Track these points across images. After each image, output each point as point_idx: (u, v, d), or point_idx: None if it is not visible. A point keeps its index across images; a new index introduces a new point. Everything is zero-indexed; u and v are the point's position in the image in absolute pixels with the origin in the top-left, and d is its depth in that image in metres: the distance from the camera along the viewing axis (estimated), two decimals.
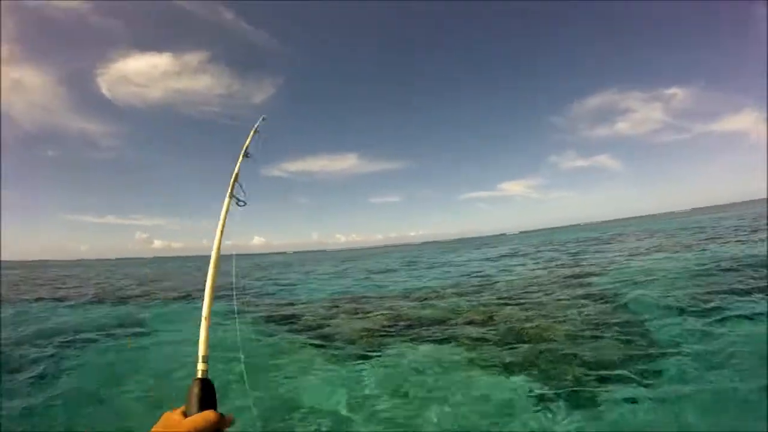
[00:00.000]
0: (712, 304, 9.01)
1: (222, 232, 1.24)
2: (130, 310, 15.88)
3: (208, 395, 0.97)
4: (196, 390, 0.97)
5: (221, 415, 0.93)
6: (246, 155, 1.46)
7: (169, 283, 29.45)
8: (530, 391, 6.02)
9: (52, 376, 7.81)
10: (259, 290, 21.44)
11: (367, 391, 6.55)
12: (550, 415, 5.27)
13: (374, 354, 8.38)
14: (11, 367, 8.34)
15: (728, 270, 12.59)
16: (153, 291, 23.24)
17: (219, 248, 1.22)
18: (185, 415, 0.93)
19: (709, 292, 10.05)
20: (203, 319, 1.11)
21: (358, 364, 7.90)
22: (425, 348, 8.55)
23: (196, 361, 1.04)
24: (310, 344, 9.44)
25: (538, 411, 5.42)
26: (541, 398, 5.75)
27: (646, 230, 47.35)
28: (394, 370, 7.43)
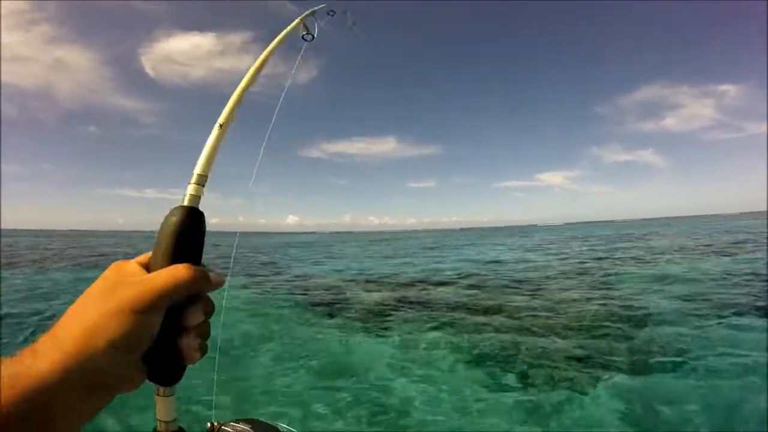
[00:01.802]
0: (730, 316, 8.64)
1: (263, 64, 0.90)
2: None
3: (190, 235, 0.57)
4: (173, 223, 0.56)
5: (202, 271, 0.54)
6: (306, 29, 1.07)
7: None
8: (517, 384, 5.91)
9: None
10: (276, 264, 21.73)
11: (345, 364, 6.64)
12: (531, 412, 5.17)
13: (365, 330, 8.51)
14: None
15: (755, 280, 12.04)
16: None
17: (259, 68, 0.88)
18: (146, 268, 0.55)
19: (728, 304, 9.67)
20: (218, 125, 0.72)
21: (345, 335, 8.12)
22: (420, 330, 8.52)
23: (188, 182, 0.63)
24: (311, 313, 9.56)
25: (518, 407, 5.32)
26: (526, 393, 5.64)
27: (685, 232, 45.93)
28: (381, 347, 7.48)
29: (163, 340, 0.52)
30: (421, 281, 15.52)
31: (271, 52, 0.93)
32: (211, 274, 0.56)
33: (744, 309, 9.01)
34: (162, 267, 0.54)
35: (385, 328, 8.80)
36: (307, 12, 1.10)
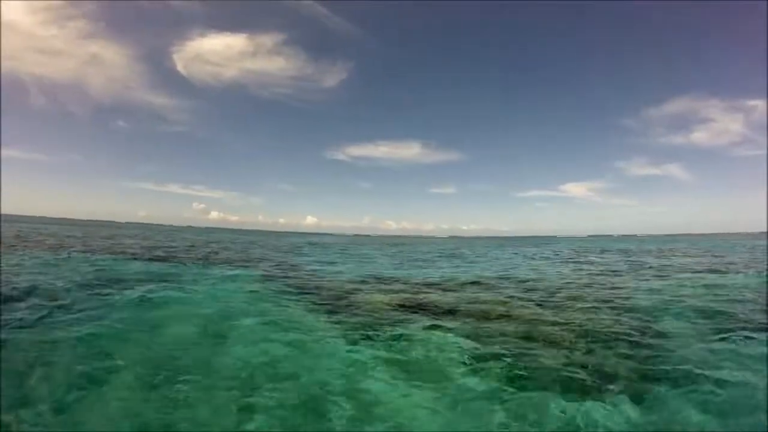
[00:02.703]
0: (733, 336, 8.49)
1: None
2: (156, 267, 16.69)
3: None
4: None
5: None
6: None
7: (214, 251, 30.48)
8: (520, 393, 5.93)
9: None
10: (294, 265, 21.89)
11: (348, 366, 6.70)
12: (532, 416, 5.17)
13: (370, 331, 8.57)
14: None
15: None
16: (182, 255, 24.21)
17: None
18: None
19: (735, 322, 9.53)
20: None
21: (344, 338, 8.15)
22: (426, 334, 8.60)
23: None
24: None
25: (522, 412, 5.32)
26: (529, 403, 5.65)
27: (704, 249, 45.00)
28: (383, 351, 7.52)
29: None
30: (427, 286, 15.54)
31: None
32: None
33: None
34: None
35: (386, 333, 8.85)
36: None
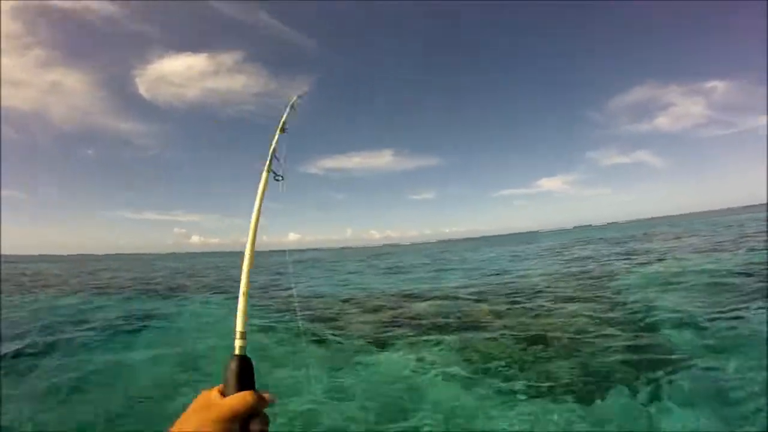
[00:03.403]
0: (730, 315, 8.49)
1: (259, 209, 1.20)
2: (142, 302, 16.23)
3: (246, 374, 0.91)
4: (233, 367, 0.90)
5: (260, 396, 0.86)
6: (283, 130, 1.43)
7: (198, 277, 30.07)
8: (517, 392, 5.80)
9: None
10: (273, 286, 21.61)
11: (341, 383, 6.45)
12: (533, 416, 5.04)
13: (366, 347, 8.29)
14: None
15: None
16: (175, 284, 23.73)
17: (256, 225, 1.17)
18: (223, 394, 0.87)
19: (730, 299, 9.56)
20: (241, 294, 1.04)
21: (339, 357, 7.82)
22: (417, 344, 8.43)
23: (234, 337, 0.96)
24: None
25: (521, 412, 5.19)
26: (527, 400, 5.53)
27: (685, 229, 45.84)
28: (375, 367, 7.34)
29: None
30: (416, 295, 15.46)
31: (260, 206, 1.18)
32: (266, 395, 0.88)
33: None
34: (234, 393, 0.86)
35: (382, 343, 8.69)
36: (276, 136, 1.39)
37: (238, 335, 0.96)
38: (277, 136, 1.41)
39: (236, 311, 1.00)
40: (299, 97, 1.58)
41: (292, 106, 1.51)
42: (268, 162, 1.31)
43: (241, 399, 0.84)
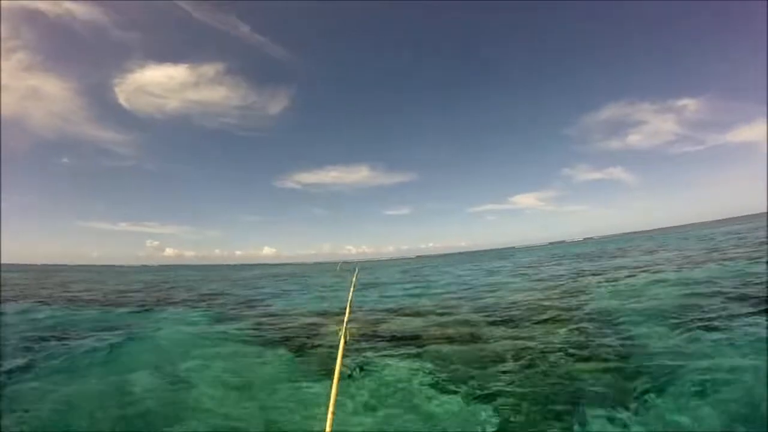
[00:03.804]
0: (701, 326, 8.56)
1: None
2: (113, 313, 15.76)
3: None
4: None
5: None
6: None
7: (164, 291, 29.45)
8: (496, 409, 5.69)
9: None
10: (242, 297, 21.28)
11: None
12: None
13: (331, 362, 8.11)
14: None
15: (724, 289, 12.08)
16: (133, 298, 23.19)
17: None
18: None
19: (700, 312, 9.65)
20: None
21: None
22: (389, 360, 8.33)
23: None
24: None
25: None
26: (508, 417, 5.43)
27: (656, 244, 46.63)
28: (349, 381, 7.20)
29: None
30: (394, 310, 15.34)
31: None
32: None
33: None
34: None
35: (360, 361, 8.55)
36: None
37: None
38: None
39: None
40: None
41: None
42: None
43: None
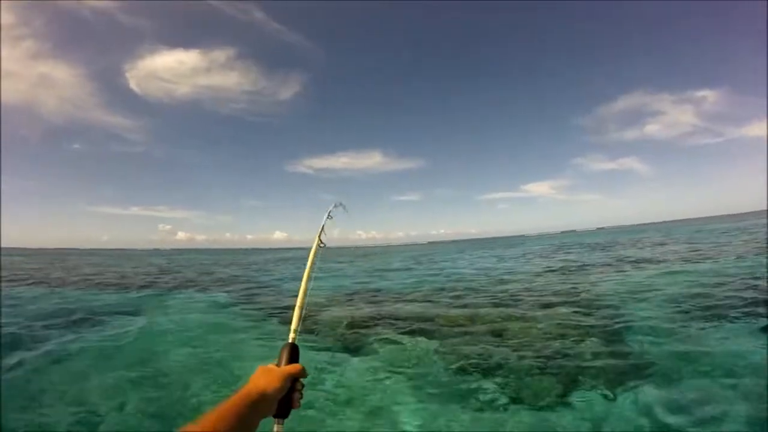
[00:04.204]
0: (705, 323, 8.52)
1: (311, 267, 1.69)
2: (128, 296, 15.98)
3: (294, 354, 1.29)
4: (287, 350, 1.29)
5: (303, 368, 1.24)
6: (321, 242, 1.85)
7: (182, 274, 29.70)
8: (492, 396, 5.73)
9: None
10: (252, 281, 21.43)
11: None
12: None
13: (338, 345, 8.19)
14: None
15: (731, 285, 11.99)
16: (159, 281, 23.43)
17: (309, 273, 1.65)
18: (278, 366, 1.23)
19: (705, 308, 9.59)
20: (297, 307, 1.46)
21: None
22: (392, 344, 8.42)
23: (289, 331, 1.37)
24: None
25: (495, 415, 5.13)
26: (498, 404, 5.47)
27: (668, 237, 46.20)
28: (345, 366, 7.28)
29: (284, 395, 1.15)
30: (396, 295, 15.39)
31: (313, 262, 1.72)
32: (305, 369, 1.24)
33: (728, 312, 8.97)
34: (286, 365, 1.23)
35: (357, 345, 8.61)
36: (325, 217, 1.85)
37: (292, 329, 1.38)
38: (324, 223, 1.88)
39: (292, 312, 1.42)
40: (337, 205, 2.03)
41: (329, 216, 1.94)
42: (317, 236, 1.81)
43: (293, 366, 1.22)
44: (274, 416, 1.16)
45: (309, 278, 1.61)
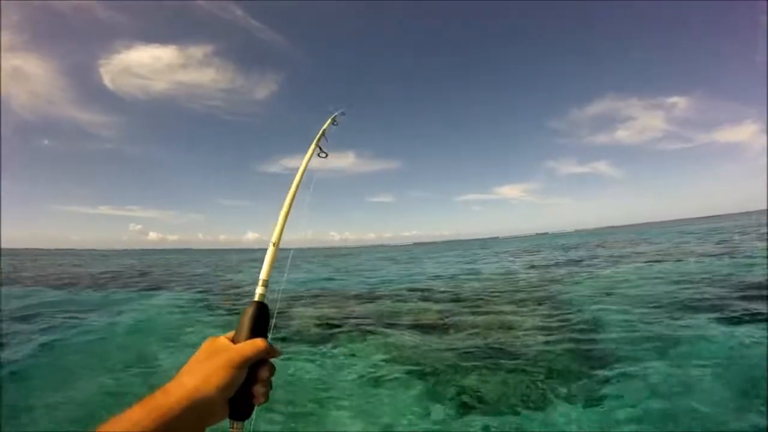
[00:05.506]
0: (670, 323, 8.63)
1: (302, 174, 1.26)
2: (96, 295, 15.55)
3: (261, 320, 0.88)
4: (250, 312, 0.88)
5: (271, 345, 0.85)
6: (320, 149, 1.40)
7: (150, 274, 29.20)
8: (456, 399, 5.68)
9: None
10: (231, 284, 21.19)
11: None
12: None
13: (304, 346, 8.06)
14: None
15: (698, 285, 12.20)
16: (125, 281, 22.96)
17: (299, 184, 1.22)
18: (232, 341, 0.85)
19: (673, 308, 9.74)
20: (271, 245, 1.04)
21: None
22: (359, 344, 8.27)
23: (257, 284, 0.94)
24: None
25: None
26: (467, 406, 5.41)
27: (637, 239, 47.35)
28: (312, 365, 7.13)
29: (241, 388, 0.80)
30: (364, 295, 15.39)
31: (304, 171, 1.26)
32: (275, 346, 0.86)
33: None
34: (245, 340, 0.84)
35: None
36: (328, 122, 1.48)
37: (260, 282, 0.95)
38: (327, 123, 1.49)
39: (263, 261, 1.00)
40: (342, 113, 1.62)
41: (333, 121, 1.54)
42: (316, 140, 1.39)
43: (251, 345, 0.82)
44: (230, 418, 0.81)
45: (298, 187, 1.22)
